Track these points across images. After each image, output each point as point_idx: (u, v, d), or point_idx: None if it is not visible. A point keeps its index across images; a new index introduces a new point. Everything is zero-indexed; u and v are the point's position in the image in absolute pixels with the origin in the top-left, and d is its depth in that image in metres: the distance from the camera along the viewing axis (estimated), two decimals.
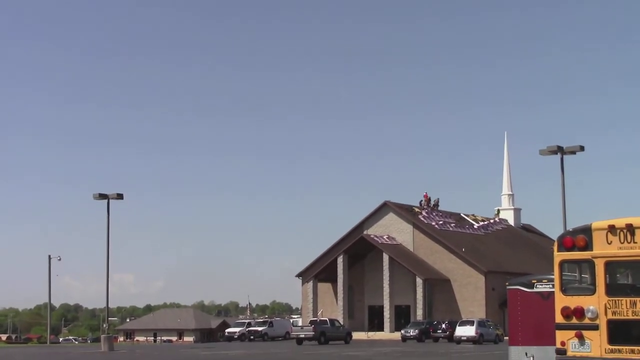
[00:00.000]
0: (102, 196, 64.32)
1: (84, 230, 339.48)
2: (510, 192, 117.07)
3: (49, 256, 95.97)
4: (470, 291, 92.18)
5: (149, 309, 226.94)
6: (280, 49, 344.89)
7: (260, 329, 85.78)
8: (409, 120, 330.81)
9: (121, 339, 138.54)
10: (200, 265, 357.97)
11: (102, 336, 64.37)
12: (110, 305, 67.56)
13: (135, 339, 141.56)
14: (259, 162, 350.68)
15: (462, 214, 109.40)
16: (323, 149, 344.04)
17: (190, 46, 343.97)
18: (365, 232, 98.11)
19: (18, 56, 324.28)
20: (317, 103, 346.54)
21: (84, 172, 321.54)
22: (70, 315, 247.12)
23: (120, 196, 64.44)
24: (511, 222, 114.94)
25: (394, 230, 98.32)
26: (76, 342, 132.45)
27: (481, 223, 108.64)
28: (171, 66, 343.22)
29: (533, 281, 21.33)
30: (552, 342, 15.86)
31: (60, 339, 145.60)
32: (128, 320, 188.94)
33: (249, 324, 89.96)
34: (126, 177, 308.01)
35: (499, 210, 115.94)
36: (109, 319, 73.12)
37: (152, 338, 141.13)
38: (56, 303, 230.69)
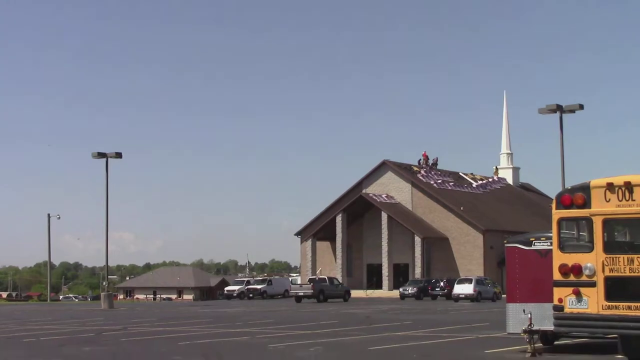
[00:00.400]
0: (101, 155, 64.36)
1: (83, 189, 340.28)
2: (509, 151, 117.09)
3: (49, 215, 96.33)
4: (469, 249, 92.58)
5: (148, 267, 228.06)
6: (275, 2, 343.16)
7: (259, 287, 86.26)
8: (408, 79, 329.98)
9: (121, 296, 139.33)
10: (199, 224, 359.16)
11: (102, 294, 64.78)
12: (109, 264, 67.88)
13: (134, 297, 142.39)
14: (259, 122, 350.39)
15: (460, 173, 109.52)
16: (322, 108, 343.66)
17: (192, 4, 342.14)
18: (363, 191, 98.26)
19: (16, 15, 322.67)
20: (316, 61, 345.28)
21: (83, 132, 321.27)
22: (70, 274, 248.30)
23: (119, 155, 64.45)
24: (510, 181, 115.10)
25: (392, 189, 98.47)
26: (76, 300, 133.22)
27: (479, 182, 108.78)
28: (172, 23, 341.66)
29: (531, 239, 21.38)
30: (550, 299, 15.94)
31: (60, 297, 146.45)
32: (127, 278, 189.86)
33: (248, 282, 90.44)
34: (126, 136, 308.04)
35: (497, 169, 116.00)
36: (109, 277, 73.49)
37: (152, 296, 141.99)
38: (56, 261, 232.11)
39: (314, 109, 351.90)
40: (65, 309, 64.90)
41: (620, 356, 17.20)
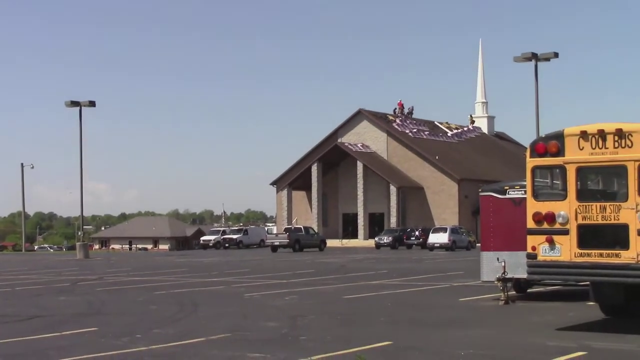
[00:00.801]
0: (74, 103, 63.80)
1: (56, 139, 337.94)
2: (484, 100, 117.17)
3: (22, 164, 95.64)
4: (444, 199, 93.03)
5: (123, 217, 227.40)
6: None
7: (235, 236, 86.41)
8: (384, 28, 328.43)
9: (96, 246, 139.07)
10: (174, 174, 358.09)
11: (78, 244, 64.65)
12: (84, 214, 67.66)
13: (110, 247, 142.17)
14: (236, 72, 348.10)
15: (436, 122, 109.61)
16: (298, 57, 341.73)
17: None
18: (339, 140, 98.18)
19: None
20: (293, 10, 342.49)
21: (56, 80, 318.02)
22: (44, 224, 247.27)
23: (92, 103, 63.93)
24: (485, 129, 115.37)
25: (368, 138, 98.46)
26: (51, 250, 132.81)
27: (455, 131, 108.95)
28: None
29: (505, 187, 21.50)
30: (523, 248, 16.02)
31: (35, 247, 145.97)
32: (103, 228, 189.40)
33: (224, 232, 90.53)
34: (99, 85, 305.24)
35: (472, 117, 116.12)
36: (84, 227, 73.29)
37: (128, 246, 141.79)
38: (30, 211, 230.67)
39: (289, 59, 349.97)
40: (41, 258, 64.78)
41: (591, 303, 17.41)
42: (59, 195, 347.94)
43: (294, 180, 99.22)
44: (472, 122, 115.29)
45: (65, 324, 17.65)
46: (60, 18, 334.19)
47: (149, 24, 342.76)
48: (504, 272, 20.48)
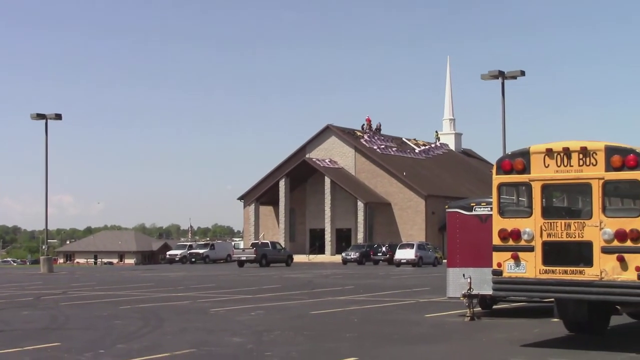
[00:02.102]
0: (40, 116, 63.33)
1: (21, 151, 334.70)
2: (452, 117, 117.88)
3: None
4: (411, 215, 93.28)
5: (89, 231, 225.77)
6: None
7: (201, 251, 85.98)
8: (352, 45, 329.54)
9: (61, 260, 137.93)
10: (141, 188, 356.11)
11: (42, 258, 64.01)
12: (49, 227, 67.09)
13: (75, 261, 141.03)
14: (202, 84, 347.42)
15: (403, 139, 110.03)
16: (266, 71, 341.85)
17: None
18: (307, 156, 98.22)
19: None
20: (261, 26, 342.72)
21: (22, 92, 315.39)
22: (8, 237, 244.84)
23: (58, 116, 63.50)
24: (452, 146, 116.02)
25: (335, 154, 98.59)
26: (15, 264, 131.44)
27: (422, 147, 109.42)
28: None
29: (472, 204, 21.60)
30: (489, 264, 16.09)
31: None
32: (68, 242, 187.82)
33: (191, 247, 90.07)
34: (65, 98, 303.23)
35: (437, 133, 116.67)
36: (49, 240, 72.61)
37: (93, 260, 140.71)
38: None
39: (258, 73, 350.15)
40: (4, 272, 64.04)
41: (556, 319, 17.51)
42: (24, 208, 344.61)
43: (261, 195, 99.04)
44: (438, 138, 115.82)
45: (28, 339, 17.43)
46: (26, 29, 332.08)
47: (114, 34, 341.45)
48: (469, 289, 20.55)
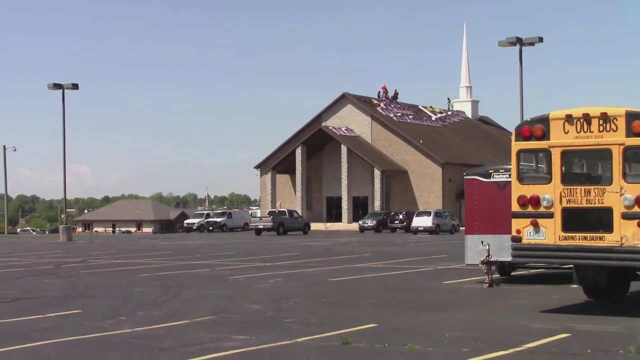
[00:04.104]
0: (57, 86, 63.43)
1: (39, 121, 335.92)
2: (469, 84, 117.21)
3: (4, 146, 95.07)
4: (427, 182, 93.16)
5: (107, 200, 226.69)
6: None
7: (219, 220, 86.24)
8: (368, 11, 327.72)
9: (79, 229, 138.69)
10: (158, 157, 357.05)
11: (61, 227, 64.38)
12: (67, 197, 67.40)
13: (93, 230, 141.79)
14: (220, 52, 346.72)
15: (420, 106, 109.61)
16: (283, 39, 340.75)
17: None
18: (323, 124, 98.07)
19: None
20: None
21: (40, 61, 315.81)
22: (27, 207, 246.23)
23: (75, 86, 63.57)
24: (469, 114, 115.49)
25: (352, 122, 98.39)
26: (34, 233, 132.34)
27: (439, 115, 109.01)
28: None
29: (490, 171, 21.54)
30: (508, 231, 16.07)
31: (18, 230, 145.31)
32: (86, 211, 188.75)
33: (208, 215, 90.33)
34: (83, 66, 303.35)
35: (449, 100, 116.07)
36: (67, 210, 72.99)
37: (111, 229, 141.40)
38: (12, 194, 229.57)
39: (275, 41, 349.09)
40: (24, 241, 64.53)
41: (574, 285, 17.49)
42: (42, 178, 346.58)
43: (278, 163, 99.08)
44: (450, 105, 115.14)
45: (49, 307, 17.58)
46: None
47: (135, 5, 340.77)
48: (488, 255, 20.55)
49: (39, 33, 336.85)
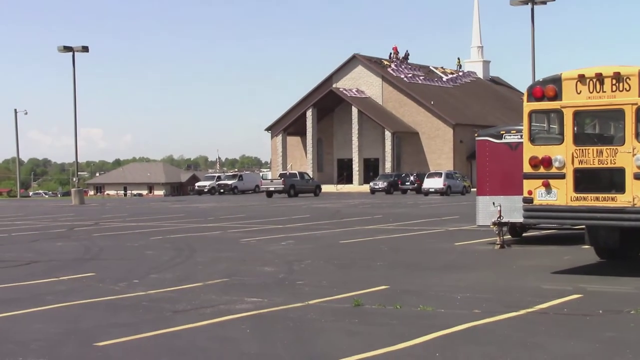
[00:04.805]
0: (67, 49, 63.34)
1: (49, 84, 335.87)
2: (480, 44, 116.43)
3: (15, 110, 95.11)
4: (438, 144, 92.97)
5: (118, 163, 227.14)
6: None
7: (230, 182, 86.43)
8: None
9: (91, 192, 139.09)
10: (168, 120, 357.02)
11: (73, 190, 64.66)
12: (79, 160, 67.58)
13: (105, 193, 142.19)
14: (230, 15, 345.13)
15: (431, 67, 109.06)
16: (291, 4, 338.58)
17: None
18: (334, 86, 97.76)
19: None
20: None
21: (49, 25, 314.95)
22: (39, 170, 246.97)
23: (85, 49, 63.47)
24: (480, 74, 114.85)
25: (362, 83, 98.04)
26: (46, 196, 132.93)
27: (450, 76, 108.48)
28: None
29: (501, 132, 21.46)
30: (519, 192, 16.03)
31: (30, 193, 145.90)
32: (97, 174, 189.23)
33: (219, 178, 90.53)
34: (94, 27, 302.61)
35: (459, 60, 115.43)
36: (79, 173, 73.24)
37: (123, 192, 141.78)
38: (24, 157, 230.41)
39: (283, 5, 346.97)
40: (36, 204, 64.85)
41: (586, 246, 17.49)
42: (53, 141, 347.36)
43: (288, 125, 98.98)
44: (460, 65, 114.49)
45: (63, 269, 17.69)
46: None
47: None
48: (499, 217, 20.54)
49: None
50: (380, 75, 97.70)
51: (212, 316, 11.74)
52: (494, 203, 20.91)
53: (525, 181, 15.63)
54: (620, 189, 14.66)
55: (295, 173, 74.95)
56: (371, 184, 78.21)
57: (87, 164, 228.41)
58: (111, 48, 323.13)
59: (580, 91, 15.11)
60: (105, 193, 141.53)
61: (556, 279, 15.10)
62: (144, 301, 13.22)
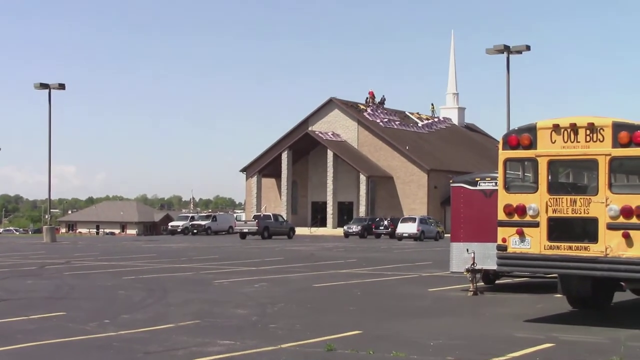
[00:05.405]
0: (44, 86, 63.21)
1: (25, 121, 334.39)
2: (455, 91, 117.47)
3: None
4: (413, 189, 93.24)
5: (91, 201, 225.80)
6: None
7: (203, 223, 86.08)
8: (357, 15, 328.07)
9: (63, 230, 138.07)
10: (143, 159, 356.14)
11: (45, 227, 64.13)
12: (52, 197, 67.10)
13: (77, 231, 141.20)
14: (205, 53, 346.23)
15: (407, 112, 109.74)
16: (270, 42, 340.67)
17: None
18: (310, 129, 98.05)
19: None
20: (263, 6, 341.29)
21: (25, 62, 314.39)
22: (10, 206, 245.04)
23: (62, 86, 63.40)
24: (455, 121, 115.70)
25: (339, 126, 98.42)
26: (17, 233, 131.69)
27: (425, 122, 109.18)
28: None
29: (476, 179, 21.58)
30: (493, 239, 16.10)
31: (1, 230, 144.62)
32: (70, 212, 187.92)
33: (193, 218, 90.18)
34: (70, 65, 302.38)
35: (433, 106, 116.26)
36: (51, 210, 72.70)
37: (95, 230, 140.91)
38: None
39: (261, 43, 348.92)
40: (7, 241, 64.21)
41: (559, 295, 17.55)
42: (26, 178, 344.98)
43: (264, 167, 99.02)
44: (433, 111, 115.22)
45: (33, 308, 17.50)
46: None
47: (120, 9, 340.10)
48: (473, 263, 20.58)
49: (24, 31, 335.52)
50: (356, 119, 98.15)
51: (184, 358, 11.65)
52: (467, 250, 20.95)
53: (499, 228, 15.71)
54: (594, 238, 14.77)
55: (270, 215, 74.84)
56: (345, 227, 78.23)
57: (60, 201, 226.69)
58: (87, 85, 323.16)
59: (555, 140, 15.27)
60: (77, 231, 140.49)
61: (529, 327, 15.12)
62: (115, 342, 13.09)
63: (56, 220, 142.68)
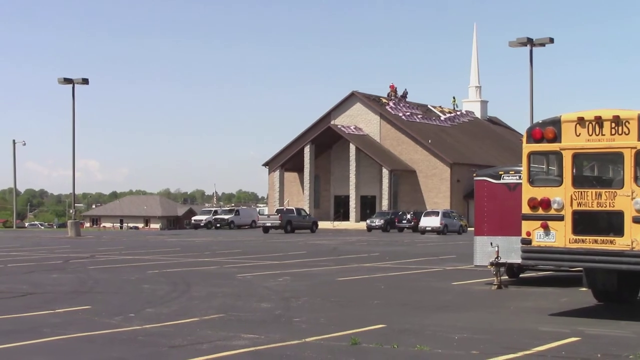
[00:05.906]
0: (67, 81, 63.57)
1: (48, 115, 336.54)
2: (478, 84, 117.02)
3: (14, 141, 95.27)
4: (436, 182, 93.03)
5: (114, 195, 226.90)
6: None
7: (226, 217, 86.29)
8: (379, 9, 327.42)
9: (87, 224, 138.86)
10: (166, 153, 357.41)
11: (69, 221, 64.55)
12: (75, 192, 67.52)
13: (101, 225, 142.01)
14: (230, 50, 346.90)
15: (429, 106, 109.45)
16: (292, 37, 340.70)
17: None
18: (332, 122, 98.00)
19: None
20: None
21: (50, 56, 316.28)
22: (35, 201, 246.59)
23: (85, 81, 63.72)
24: (478, 114, 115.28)
25: (361, 120, 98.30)
26: (42, 227, 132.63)
27: (448, 115, 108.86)
28: None
29: (500, 172, 21.50)
30: (517, 233, 16.04)
31: (26, 224, 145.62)
32: (94, 206, 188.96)
33: (216, 212, 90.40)
34: (93, 61, 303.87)
35: (454, 99, 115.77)
36: (75, 205, 73.16)
37: (119, 224, 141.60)
38: (21, 188, 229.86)
39: (284, 39, 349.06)
40: (32, 236, 64.69)
41: (583, 289, 17.47)
42: (50, 172, 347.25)
43: (286, 161, 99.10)
44: (455, 104, 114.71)
45: (59, 302, 17.62)
46: None
47: (146, 2, 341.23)
48: (497, 257, 20.52)
49: (50, 27, 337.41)
50: (379, 113, 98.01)
51: (209, 352, 11.68)
52: (491, 243, 20.89)
53: (523, 222, 15.64)
54: (619, 232, 14.67)
55: (292, 209, 74.94)
56: (368, 221, 78.19)
57: (84, 195, 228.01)
58: (110, 80, 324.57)
59: (580, 134, 15.17)
60: (101, 225, 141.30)
61: (554, 321, 15.06)
62: (140, 335, 13.16)
63: (80, 214, 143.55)
